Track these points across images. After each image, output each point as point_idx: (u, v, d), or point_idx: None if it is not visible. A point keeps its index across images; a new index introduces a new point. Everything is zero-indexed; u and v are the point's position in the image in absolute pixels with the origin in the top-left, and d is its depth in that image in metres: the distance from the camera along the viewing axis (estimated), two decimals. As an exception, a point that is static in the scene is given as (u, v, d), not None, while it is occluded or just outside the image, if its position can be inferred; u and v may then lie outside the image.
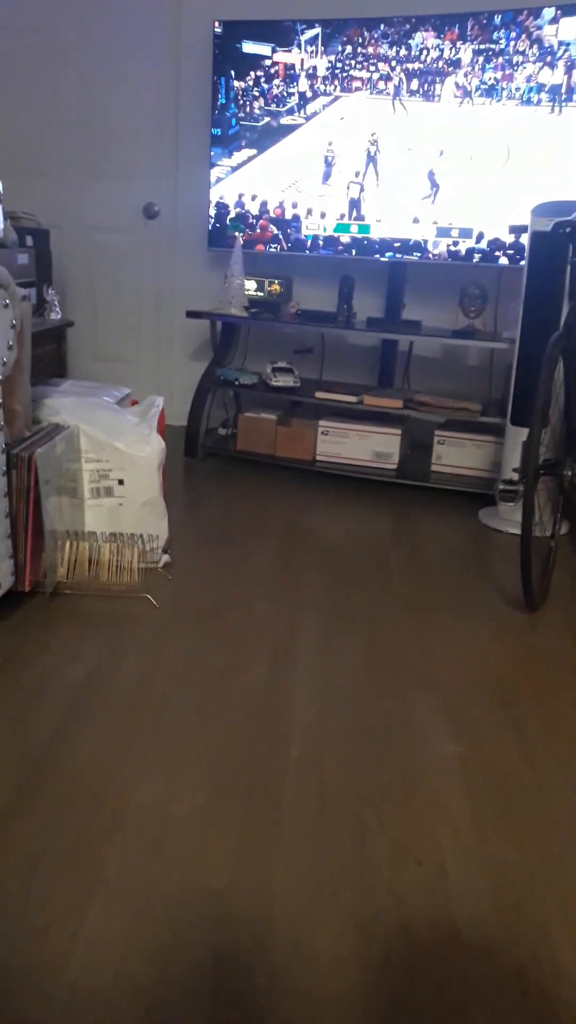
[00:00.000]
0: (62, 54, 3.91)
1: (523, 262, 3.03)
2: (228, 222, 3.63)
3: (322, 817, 1.41)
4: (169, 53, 3.80)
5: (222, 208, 3.64)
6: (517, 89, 2.96)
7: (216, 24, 3.46)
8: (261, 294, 3.65)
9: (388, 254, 3.42)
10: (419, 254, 3.38)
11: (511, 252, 3.24)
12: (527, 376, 2.84)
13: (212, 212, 3.68)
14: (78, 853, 1.29)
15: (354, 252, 3.49)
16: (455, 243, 3.28)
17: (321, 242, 3.49)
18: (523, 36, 2.85)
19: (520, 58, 2.86)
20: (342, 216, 3.42)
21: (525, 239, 3.20)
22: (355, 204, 3.38)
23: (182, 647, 1.97)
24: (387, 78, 3.13)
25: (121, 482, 2.32)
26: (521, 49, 2.86)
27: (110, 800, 1.42)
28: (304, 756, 1.57)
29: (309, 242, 3.51)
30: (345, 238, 3.45)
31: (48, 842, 1.31)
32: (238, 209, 3.58)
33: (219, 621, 2.12)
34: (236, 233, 3.58)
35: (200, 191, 3.91)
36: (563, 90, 2.90)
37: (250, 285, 3.65)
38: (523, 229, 3.03)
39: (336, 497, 3.26)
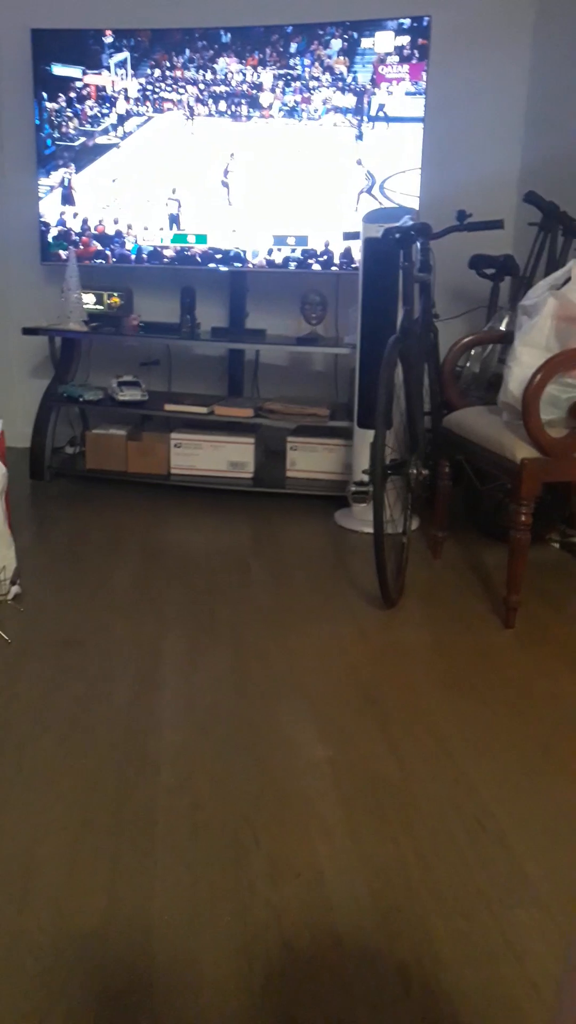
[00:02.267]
0: None
1: (346, 269, 3.12)
2: (51, 240, 3.57)
3: (196, 840, 1.38)
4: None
5: (44, 227, 3.58)
6: (315, 110, 3.23)
7: (30, 35, 3.38)
8: (101, 307, 3.57)
9: (211, 264, 3.48)
10: (239, 264, 3.46)
11: (323, 258, 3.37)
12: (369, 379, 2.92)
13: (49, 233, 3.58)
14: None
15: (177, 263, 3.49)
16: (269, 251, 3.42)
17: (145, 256, 3.50)
18: (316, 63, 3.16)
19: (315, 82, 3.18)
20: (161, 228, 3.49)
21: (356, 246, 3.29)
22: (175, 219, 3.47)
23: (39, 680, 1.88)
24: (199, 100, 3.31)
25: (-38, 512, 2.20)
26: (316, 75, 3.17)
27: (-31, 853, 1.33)
28: (175, 779, 1.54)
29: (134, 256, 3.51)
30: (169, 252, 3.50)
31: None
32: (60, 227, 3.54)
33: (78, 649, 2.04)
34: (60, 251, 3.54)
35: (28, 204, 3.78)
36: (355, 110, 3.22)
37: (89, 299, 3.56)
38: (355, 236, 3.11)
39: (193, 510, 3.23)
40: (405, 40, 3.07)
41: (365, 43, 3.11)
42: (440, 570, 2.65)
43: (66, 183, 3.49)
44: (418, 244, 2.73)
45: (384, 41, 3.08)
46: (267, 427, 3.46)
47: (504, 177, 3.58)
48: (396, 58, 3.10)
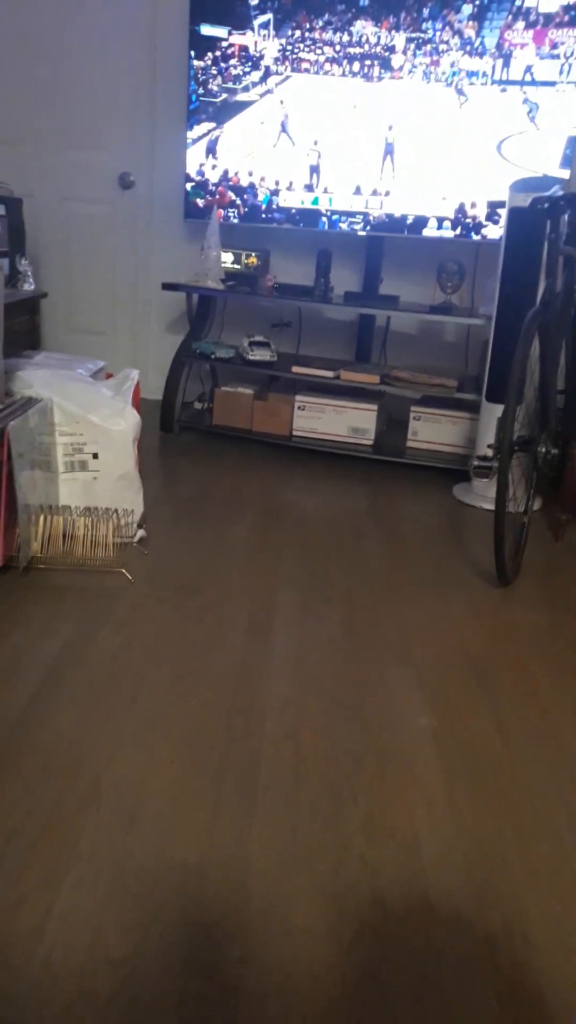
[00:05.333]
0: (36, 17, 3.81)
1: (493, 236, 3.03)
2: (188, 189, 3.65)
3: (297, 790, 1.41)
4: (144, 20, 3.72)
5: (186, 179, 3.68)
6: (443, 72, 3.23)
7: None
8: (238, 267, 3.61)
9: (336, 217, 3.49)
10: (361, 217, 3.45)
11: (448, 222, 3.36)
12: (503, 353, 2.84)
13: (188, 183, 3.64)
14: (52, 827, 1.29)
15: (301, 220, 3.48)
16: (393, 214, 3.41)
17: (275, 206, 3.53)
18: (447, 28, 3.18)
19: (444, 46, 3.20)
20: (290, 185, 3.52)
21: (482, 214, 3.19)
22: (315, 169, 3.48)
23: (158, 621, 1.96)
24: (333, 60, 3.35)
25: (96, 456, 2.30)
26: (445, 39, 3.19)
27: (84, 775, 1.41)
28: (280, 730, 1.58)
29: (264, 206, 3.55)
30: (297, 206, 3.53)
31: (22, 817, 1.30)
32: (199, 177, 3.62)
33: (195, 596, 2.11)
34: (198, 200, 3.61)
35: (175, 162, 3.85)
36: (482, 73, 3.20)
37: (227, 257, 3.60)
38: (501, 205, 3.02)
39: (312, 472, 3.26)
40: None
41: (498, 7, 3.09)
42: (560, 553, 2.58)
43: (209, 137, 3.56)
44: (566, 216, 2.62)
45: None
46: (391, 395, 3.43)
47: None
48: (523, 23, 3.06)
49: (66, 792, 1.37)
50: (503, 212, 3.21)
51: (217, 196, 3.62)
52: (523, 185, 2.76)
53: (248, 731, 1.57)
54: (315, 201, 3.48)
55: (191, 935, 1.12)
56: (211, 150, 3.58)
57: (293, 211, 3.52)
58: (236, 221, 3.61)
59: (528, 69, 3.09)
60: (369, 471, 3.33)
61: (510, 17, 3.07)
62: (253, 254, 3.60)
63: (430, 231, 3.37)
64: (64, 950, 1.08)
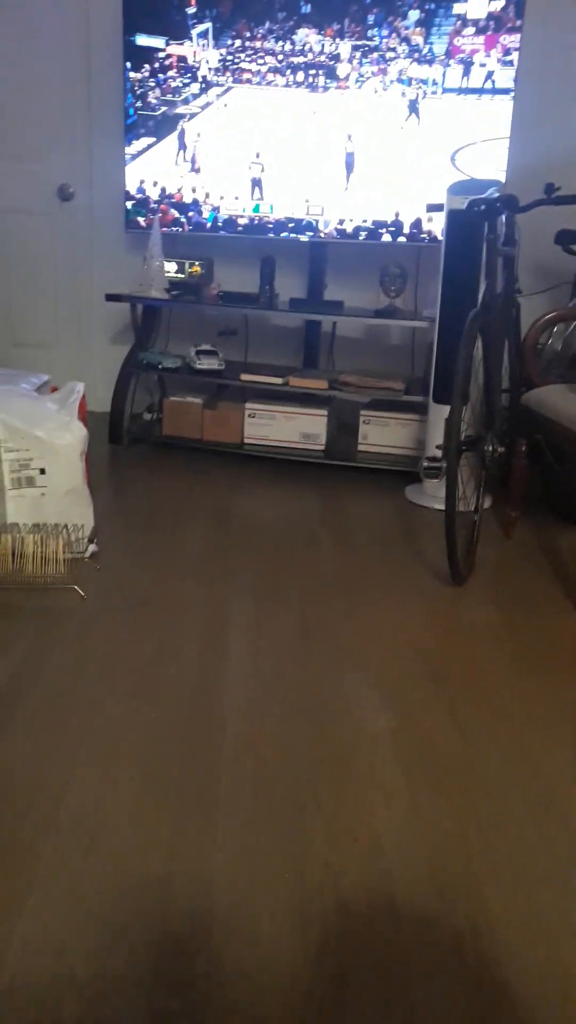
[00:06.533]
0: (-36, 28, 3.76)
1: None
2: (129, 207, 3.64)
3: (258, 799, 1.41)
4: (77, 29, 3.69)
5: (126, 195, 3.65)
6: (391, 81, 3.22)
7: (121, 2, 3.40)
8: (182, 276, 3.60)
9: (283, 233, 3.49)
10: (311, 233, 3.45)
11: (392, 230, 3.37)
12: (447, 354, 2.88)
13: (128, 201, 3.62)
14: (10, 854, 1.26)
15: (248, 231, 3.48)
16: (340, 222, 3.41)
17: (221, 223, 3.52)
18: (393, 34, 3.16)
19: (391, 54, 3.18)
20: (237, 198, 3.50)
21: (439, 217, 3.23)
22: (257, 183, 3.47)
23: (112, 637, 1.94)
24: (276, 70, 3.33)
25: (43, 471, 2.27)
26: (392, 46, 3.17)
27: (42, 798, 1.39)
28: (238, 740, 1.57)
29: (209, 224, 3.54)
30: (244, 220, 3.52)
31: (-22, 843, 1.28)
32: (139, 195, 3.60)
33: (149, 608, 2.09)
34: (139, 219, 3.59)
35: (116, 173, 3.83)
36: (431, 81, 3.20)
37: (170, 267, 3.59)
38: (439, 208, 3.06)
39: (265, 479, 3.26)
40: (494, 7, 3.00)
41: (445, 13, 3.08)
42: (512, 550, 2.61)
43: (147, 152, 3.53)
44: (503, 217, 2.67)
45: (472, 7, 3.03)
46: (341, 400, 3.45)
47: (598, 148, 3.46)
48: (472, 29, 3.06)
49: (23, 817, 1.34)
50: (438, 215, 3.25)
51: (160, 215, 3.59)
52: (460, 188, 2.80)
53: (207, 742, 1.56)
54: (256, 208, 3.48)
55: (157, 952, 1.11)
56: (148, 167, 3.55)
57: (239, 226, 3.51)
58: (184, 231, 3.60)
59: (489, 76, 3.10)
60: (321, 476, 3.34)
61: (459, 23, 3.06)
62: (196, 263, 3.60)
63: (372, 237, 3.39)
64: (27, 975, 1.06)
